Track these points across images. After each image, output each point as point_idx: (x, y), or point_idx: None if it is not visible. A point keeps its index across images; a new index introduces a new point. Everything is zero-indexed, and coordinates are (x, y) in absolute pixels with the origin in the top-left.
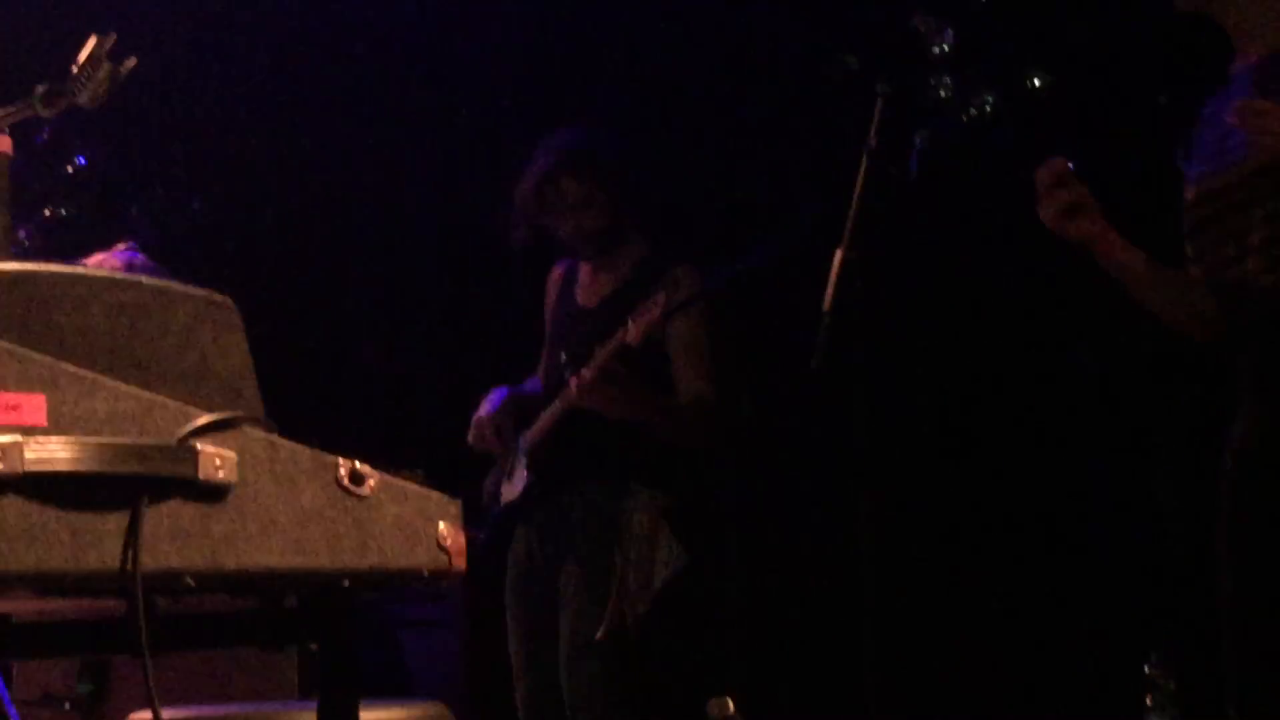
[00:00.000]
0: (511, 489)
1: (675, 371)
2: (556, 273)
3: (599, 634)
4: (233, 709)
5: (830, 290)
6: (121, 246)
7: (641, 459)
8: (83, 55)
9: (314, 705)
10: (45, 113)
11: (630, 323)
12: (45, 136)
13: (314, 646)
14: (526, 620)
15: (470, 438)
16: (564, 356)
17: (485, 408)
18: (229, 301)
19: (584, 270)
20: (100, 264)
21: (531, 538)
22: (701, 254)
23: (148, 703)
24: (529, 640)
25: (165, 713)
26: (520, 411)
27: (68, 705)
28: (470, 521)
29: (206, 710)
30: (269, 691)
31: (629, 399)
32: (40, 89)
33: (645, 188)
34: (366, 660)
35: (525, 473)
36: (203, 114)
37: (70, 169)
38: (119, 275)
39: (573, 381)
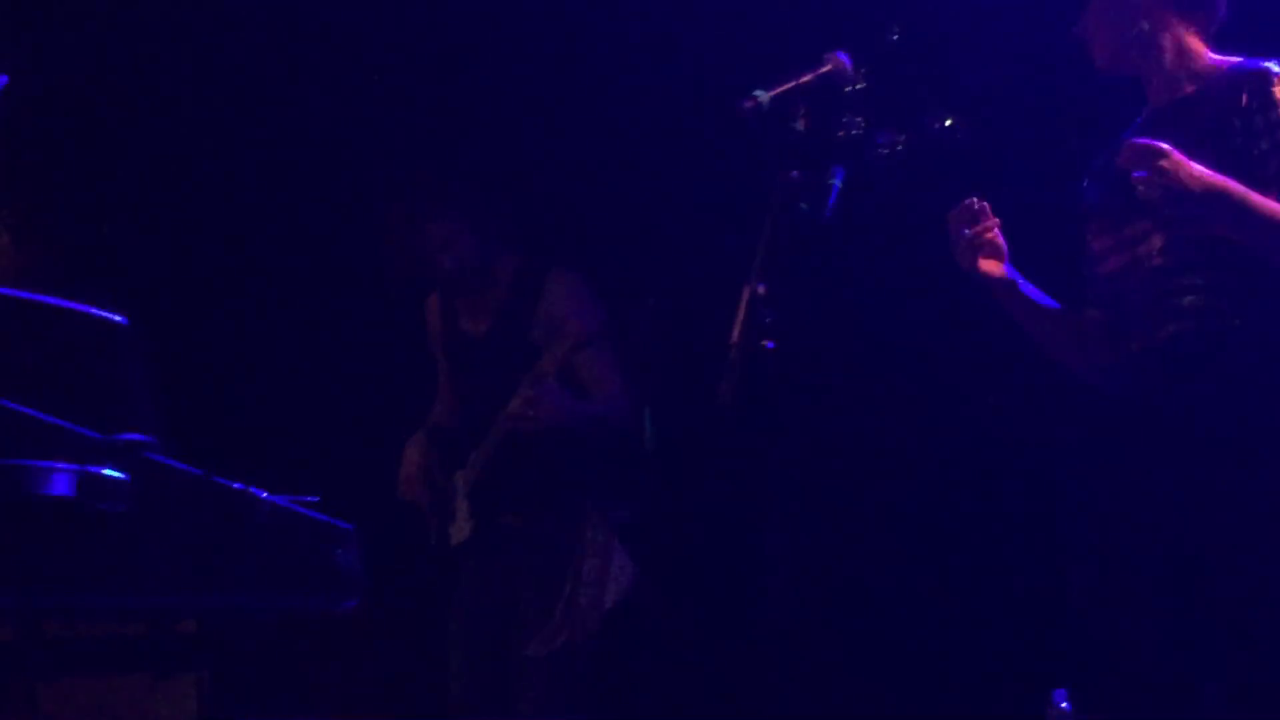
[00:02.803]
0: (458, 531)
1: (589, 378)
2: (433, 301)
3: (544, 650)
4: None
5: (738, 324)
6: None
7: (588, 478)
8: None
9: None
10: None
11: (545, 356)
12: None
13: (206, 674)
14: (469, 640)
15: (402, 491)
16: (473, 389)
17: (407, 457)
18: (125, 324)
19: (461, 298)
20: None
21: (483, 575)
22: (602, 272)
23: None
24: (475, 664)
25: None
26: (440, 453)
27: None
28: (416, 563)
29: None
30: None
31: (564, 409)
32: None
33: (506, 205)
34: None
35: (469, 516)
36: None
37: None
38: (13, 295)
39: (512, 408)
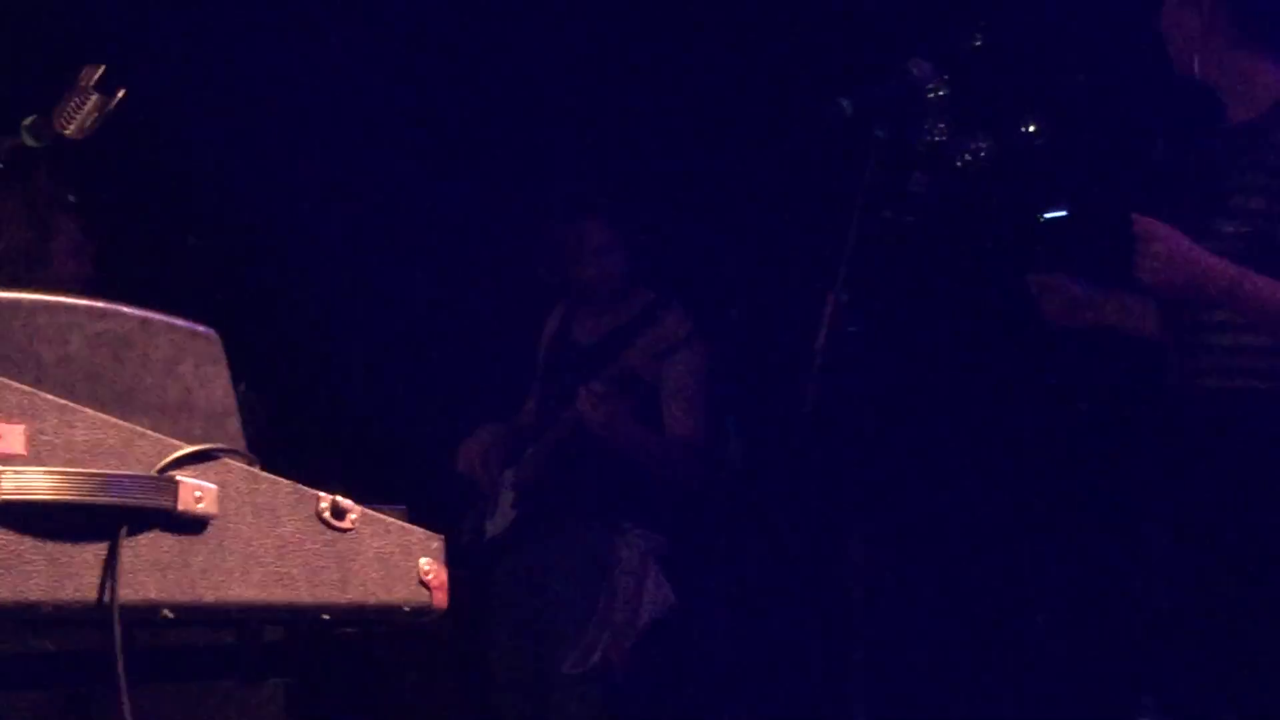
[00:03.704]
0: (497, 524)
1: (666, 412)
2: (557, 312)
3: (580, 669)
4: None
5: (822, 334)
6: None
7: (632, 498)
8: (71, 86)
9: None
10: (33, 143)
11: (632, 354)
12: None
13: (293, 682)
14: (512, 656)
15: (460, 463)
16: (558, 389)
17: (476, 437)
18: (213, 334)
19: (586, 310)
20: None
21: (517, 575)
22: (696, 295)
23: None
24: (515, 676)
25: None
26: (508, 446)
27: None
28: (452, 560)
29: None
30: None
31: (625, 425)
32: (28, 119)
33: (660, 235)
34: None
35: (512, 508)
36: (194, 150)
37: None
38: (101, 305)
39: (582, 396)
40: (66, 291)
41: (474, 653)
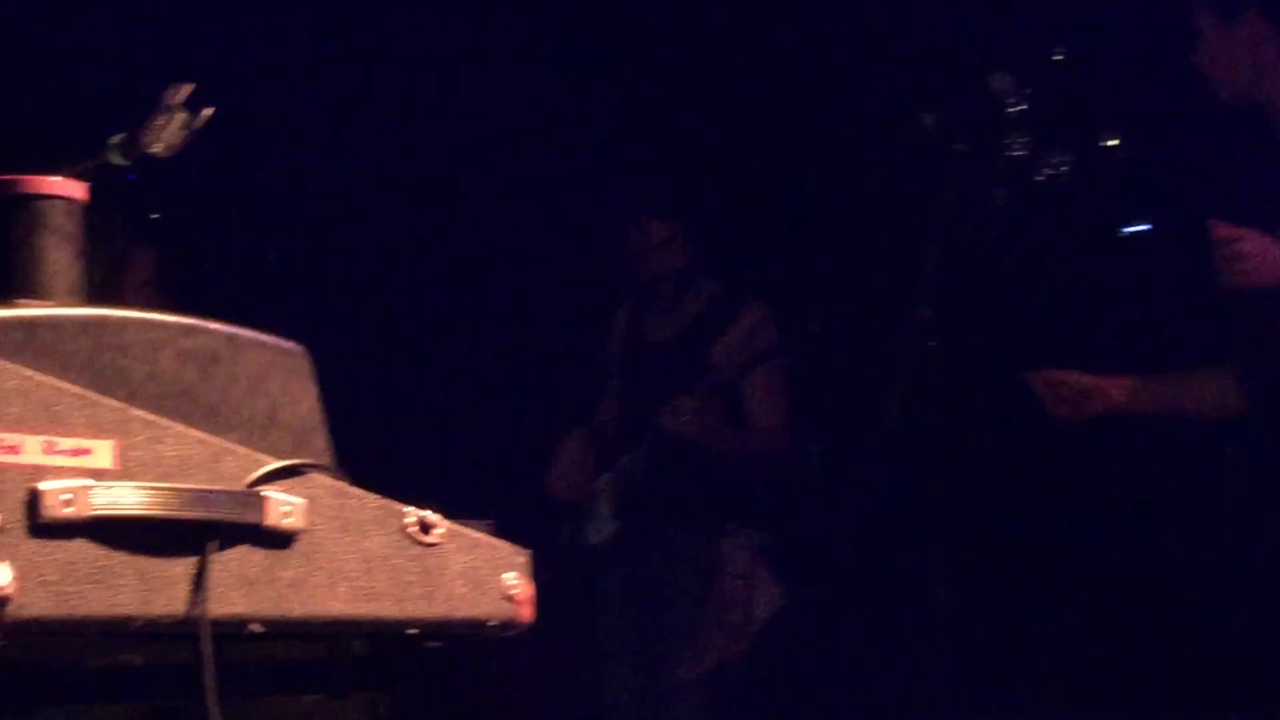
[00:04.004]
0: (598, 532)
1: (751, 409)
2: (624, 310)
3: (697, 673)
4: None
5: (904, 347)
6: None
7: (734, 498)
8: (158, 105)
9: None
10: (121, 162)
11: (721, 359)
12: (123, 189)
13: (381, 696)
14: (625, 661)
15: (554, 484)
16: (640, 393)
17: (566, 451)
18: (300, 349)
19: (654, 309)
20: None
21: (625, 581)
22: (771, 293)
23: None
24: (626, 680)
25: None
26: (597, 451)
27: None
28: (548, 565)
29: None
30: None
31: (718, 432)
32: (115, 138)
33: (721, 228)
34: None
35: (613, 516)
36: (275, 166)
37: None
38: (190, 321)
39: (665, 412)
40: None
41: (576, 661)
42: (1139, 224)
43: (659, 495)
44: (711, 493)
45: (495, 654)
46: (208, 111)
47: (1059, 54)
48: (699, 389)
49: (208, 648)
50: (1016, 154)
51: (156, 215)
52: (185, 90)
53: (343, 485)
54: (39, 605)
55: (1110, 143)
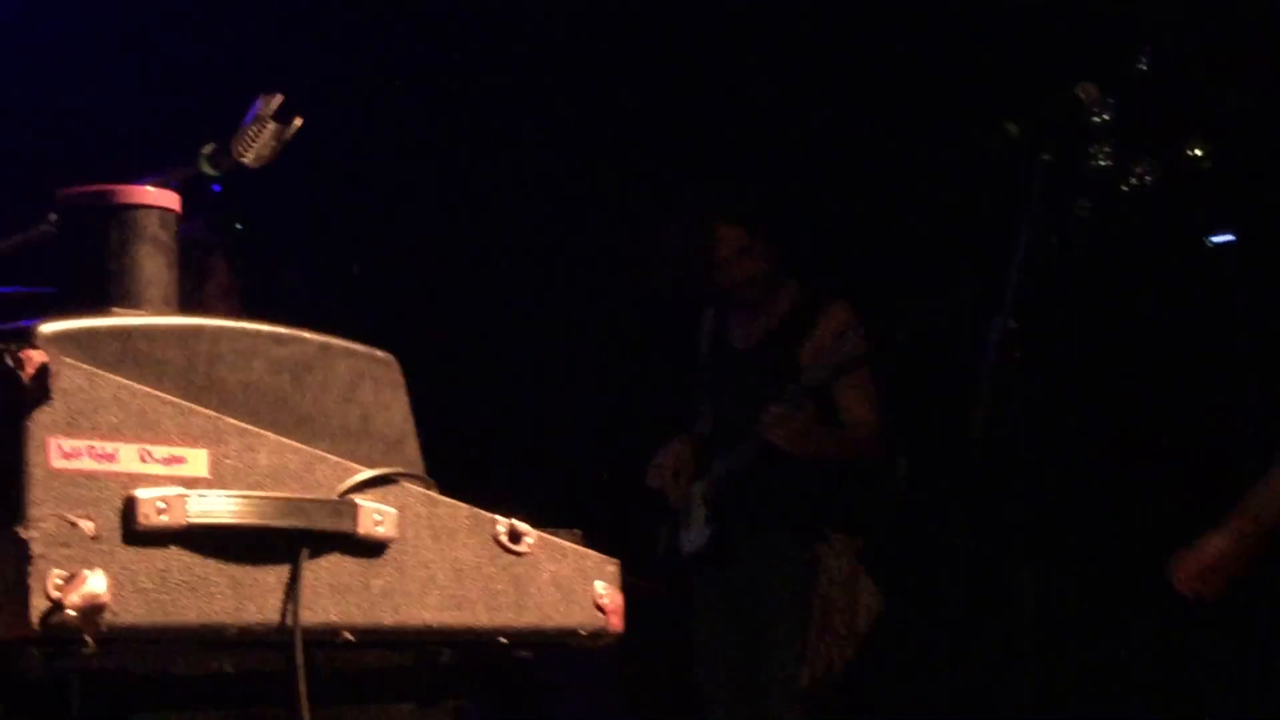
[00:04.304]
0: (692, 539)
1: (845, 409)
2: (709, 316)
3: (805, 682)
4: None
5: (989, 358)
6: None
7: (831, 503)
8: (249, 115)
9: None
10: (212, 172)
11: (811, 364)
12: (209, 199)
13: (469, 705)
14: (720, 668)
15: (650, 478)
16: (728, 401)
17: (668, 451)
18: (391, 358)
19: (737, 313)
20: None
21: (721, 586)
22: (852, 295)
23: None
24: (722, 687)
25: None
26: (694, 458)
27: None
28: (643, 571)
29: None
30: None
31: (813, 435)
32: (207, 148)
33: (797, 231)
34: None
35: (707, 523)
36: (361, 179)
37: (233, 233)
38: (283, 330)
39: (767, 415)
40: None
41: (671, 667)
42: (1224, 234)
43: (755, 501)
44: (809, 498)
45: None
46: (298, 122)
47: (1143, 63)
48: (789, 395)
49: (300, 656)
50: (1101, 164)
51: (240, 226)
52: (276, 101)
53: (433, 494)
54: (134, 613)
55: (1195, 152)
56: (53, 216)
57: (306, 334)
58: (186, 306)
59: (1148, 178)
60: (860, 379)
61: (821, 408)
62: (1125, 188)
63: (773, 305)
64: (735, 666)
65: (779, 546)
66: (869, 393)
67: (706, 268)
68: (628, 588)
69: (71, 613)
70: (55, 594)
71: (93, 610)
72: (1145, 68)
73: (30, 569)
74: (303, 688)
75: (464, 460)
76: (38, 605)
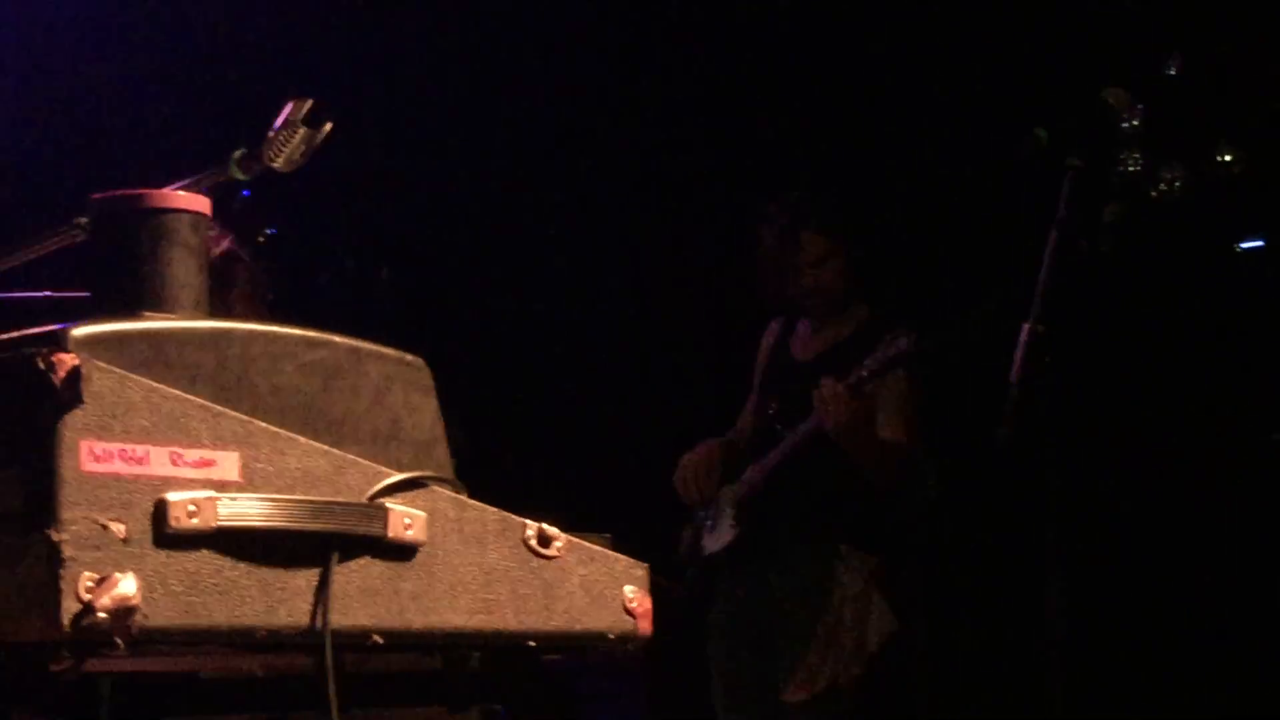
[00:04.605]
0: (716, 540)
1: (881, 417)
2: (774, 326)
3: (800, 695)
4: None
5: (1018, 363)
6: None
7: (850, 521)
8: (279, 119)
9: None
10: (241, 176)
11: (860, 367)
12: (237, 204)
13: (498, 708)
14: (734, 678)
15: (677, 480)
16: (774, 407)
17: (695, 454)
18: (421, 362)
19: (803, 326)
20: None
21: (738, 593)
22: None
23: None
24: (736, 698)
25: None
26: (726, 461)
27: None
28: (664, 573)
29: None
30: None
31: (863, 426)
32: (237, 153)
33: (878, 250)
34: None
35: (732, 526)
36: (391, 183)
37: (261, 239)
38: (313, 334)
39: (826, 389)
40: None
41: (689, 672)
42: (1254, 240)
43: (777, 508)
44: (827, 512)
45: (612, 672)
46: (328, 127)
47: (1172, 69)
48: (854, 379)
49: (330, 659)
50: (1130, 169)
51: (271, 231)
52: (307, 105)
53: (463, 498)
54: (165, 615)
55: (1225, 158)
56: (82, 220)
57: (337, 338)
58: (214, 312)
59: (1177, 183)
60: (901, 400)
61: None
62: (1154, 193)
63: (840, 322)
64: (747, 680)
65: (793, 559)
66: (908, 416)
67: (786, 271)
68: (656, 590)
69: (102, 615)
70: (86, 596)
71: (123, 613)
72: (1174, 73)
73: (62, 571)
74: (333, 691)
75: (493, 464)
76: (69, 608)
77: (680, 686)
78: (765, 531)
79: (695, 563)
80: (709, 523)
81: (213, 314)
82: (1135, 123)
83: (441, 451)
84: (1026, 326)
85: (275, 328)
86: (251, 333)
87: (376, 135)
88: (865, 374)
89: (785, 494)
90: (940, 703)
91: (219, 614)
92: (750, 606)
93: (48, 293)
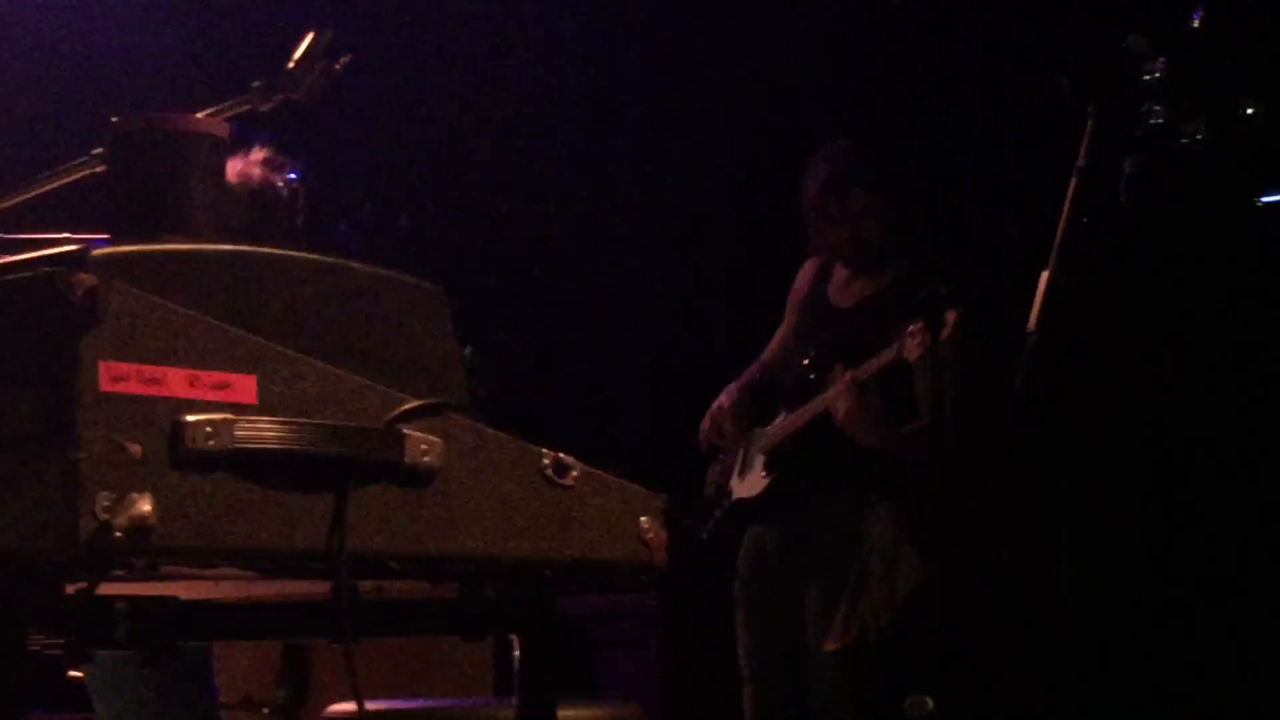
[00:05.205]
0: (746, 486)
1: (920, 401)
2: (810, 266)
3: (831, 646)
4: (433, 704)
5: (1035, 311)
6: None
7: (882, 471)
8: (298, 51)
9: (511, 702)
10: (262, 107)
11: (905, 340)
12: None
13: (513, 637)
14: (760, 627)
15: (705, 429)
16: (811, 354)
17: (723, 398)
18: (438, 289)
19: (840, 270)
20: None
21: (766, 542)
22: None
23: (350, 687)
24: (762, 647)
25: (366, 705)
26: (756, 403)
27: (266, 710)
28: (692, 512)
29: (407, 704)
30: (466, 689)
31: (870, 425)
32: (257, 83)
33: (921, 205)
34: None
35: (763, 472)
36: (410, 130)
37: (281, 183)
38: (331, 260)
39: (840, 377)
40: None
41: (708, 620)
42: (1276, 194)
43: (808, 460)
44: (860, 463)
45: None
46: (346, 59)
47: (1196, 21)
48: (861, 371)
49: (345, 582)
50: (1152, 121)
51: (293, 175)
52: (326, 37)
53: (480, 426)
54: (181, 535)
55: (1249, 110)
56: (99, 151)
57: (355, 264)
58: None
59: (1198, 136)
60: (937, 373)
61: (895, 392)
62: (1177, 146)
63: (879, 273)
64: (776, 628)
65: (823, 511)
66: (926, 386)
67: (827, 222)
68: (674, 525)
69: (119, 534)
70: (103, 515)
71: (140, 532)
72: (1197, 25)
73: (79, 491)
74: (348, 617)
75: (511, 397)
76: (86, 526)
77: (698, 636)
78: (796, 482)
79: (722, 506)
80: (739, 466)
81: (243, 239)
82: (1157, 74)
83: (458, 379)
84: (1045, 275)
85: (293, 253)
86: (269, 256)
87: (394, 81)
88: (865, 375)
89: (816, 446)
90: (961, 654)
91: (235, 535)
92: (780, 555)
93: (66, 235)
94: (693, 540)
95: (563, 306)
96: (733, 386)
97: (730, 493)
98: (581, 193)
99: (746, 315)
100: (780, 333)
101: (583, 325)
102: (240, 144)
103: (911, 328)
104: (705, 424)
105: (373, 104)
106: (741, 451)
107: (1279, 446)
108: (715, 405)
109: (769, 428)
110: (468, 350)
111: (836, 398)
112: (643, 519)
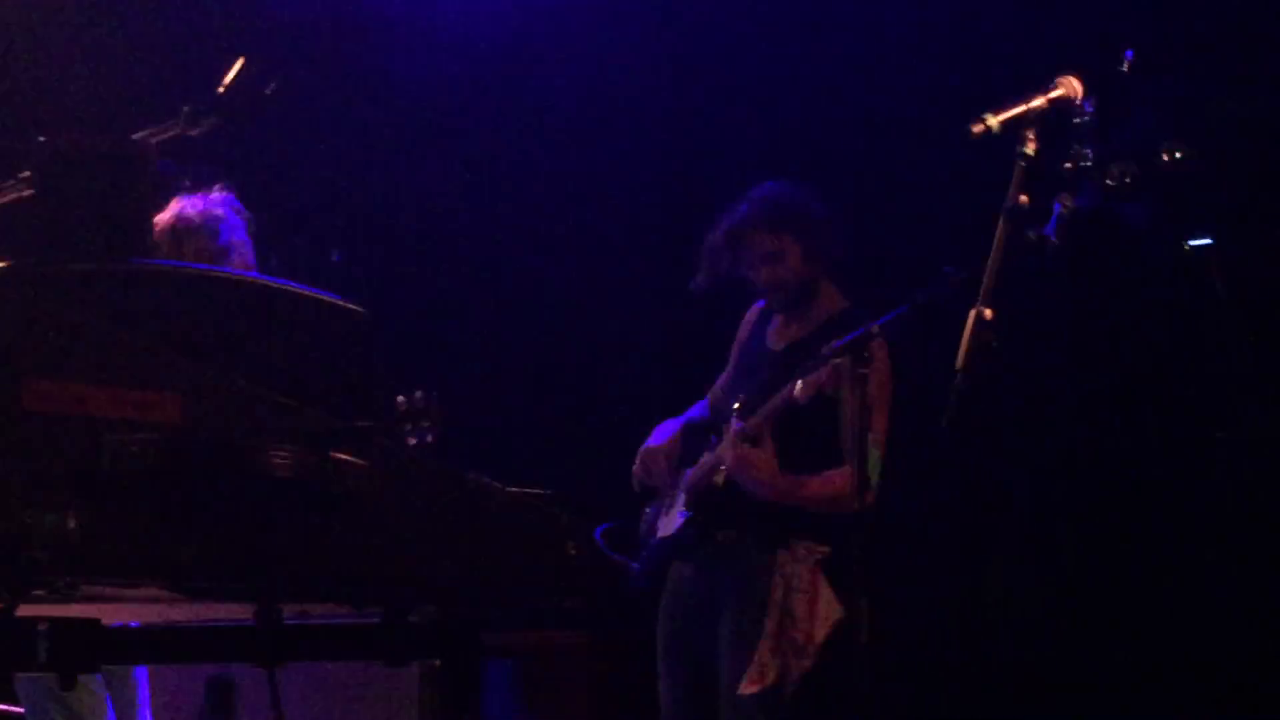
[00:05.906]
0: (668, 524)
1: (843, 427)
2: (754, 310)
3: (750, 689)
4: None
5: (963, 349)
6: (218, 191)
7: (799, 513)
8: (228, 76)
9: None
10: (192, 131)
11: (799, 381)
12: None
13: (437, 663)
14: (677, 667)
15: (637, 469)
16: (742, 398)
17: (654, 438)
18: (363, 311)
19: (777, 315)
20: (192, 208)
21: (685, 579)
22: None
23: (274, 715)
24: (678, 686)
25: None
26: (688, 442)
27: None
28: (626, 551)
29: None
30: (392, 717)
31: (771, 479)
32: (186, 108)
33: (840, 244)
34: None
35: (682, 512)
36: (341, 168)
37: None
38: (258, 280)
39: (732, 427)
40: None
41: (645, 652)
42: (1203, 238)
43: (727, 499)
44: (775, 505)
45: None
46: (274, 85)
47: (1126, 65)
48: (761, 411)
49: (270, 607)
50: (1081, 162)
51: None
52: (256, 63)
53: (403, 450)
54: (103, 554)
55: (1176, 155)
56: (25, 174)
57: (282, 284)
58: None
59: (1127, 178)
60: (857, 409)
61: (818, 433)
62: (1104, 186)
63: (810, 311)
64: (695, 670)
65: (735, 549)
66: (849, 423)
67: (740, 268)
68: (604, 561)
69: (39, 552)
70: (24, 533)
71: (61, 550)
72: (1127, 69)
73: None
74: (269, 641)
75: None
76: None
77: (628, 671)
78: (714, 520)
79: (648, 545)
80: (666, 505)
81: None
82: (1087, 115)
83: (380, 402)
84: (973, 313)
85: (215, 271)
86: (194, 275)
87: (327, 115)
88: (752, 429)
89: (727, 486)
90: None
91: (157, 554)
92: (698, 596)
93: None
94: (623, 577)
95: (501, 351)
96: (669, 424)
97: (655, 532)
98: (521, 232)
99: (704, 358)
100: (725, 373)
101: (529, 369)
102: (200, 181)
103: (803, 372)
104: (636, 464)
105: (304, 137)
106: (671, 492)
107: (1205, 481)
108: (643, 447)
109: (695, 468)
110: (418, 394)
111: (725, 451)
112: (569, 544)
